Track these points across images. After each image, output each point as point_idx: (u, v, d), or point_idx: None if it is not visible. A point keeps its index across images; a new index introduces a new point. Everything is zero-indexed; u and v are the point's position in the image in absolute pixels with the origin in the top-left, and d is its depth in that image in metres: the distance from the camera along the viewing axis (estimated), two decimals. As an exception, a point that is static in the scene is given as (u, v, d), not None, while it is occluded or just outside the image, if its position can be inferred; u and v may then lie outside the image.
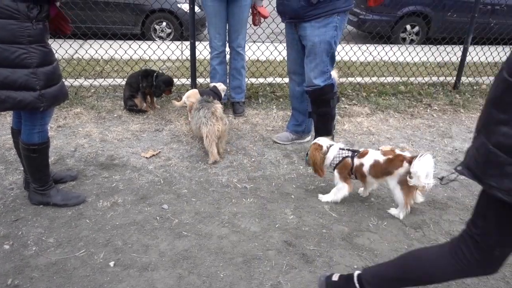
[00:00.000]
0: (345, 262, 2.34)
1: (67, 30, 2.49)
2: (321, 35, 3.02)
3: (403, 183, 2.62)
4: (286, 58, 3.59)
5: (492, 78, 5.51)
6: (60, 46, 4.62)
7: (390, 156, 2.67)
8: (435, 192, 3.08)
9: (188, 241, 2.44)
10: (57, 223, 2.54)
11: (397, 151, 2.71)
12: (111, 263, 2.25)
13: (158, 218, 2.63)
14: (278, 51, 5.26)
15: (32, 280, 2.12)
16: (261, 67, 5.30)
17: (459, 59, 5.27)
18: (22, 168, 2.77)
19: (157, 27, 7.71)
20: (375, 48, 5.59)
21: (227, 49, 4.19)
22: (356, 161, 2.76)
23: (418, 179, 2.49)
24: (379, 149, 2.81)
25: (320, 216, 2.73)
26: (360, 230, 2.62)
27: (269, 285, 2.16)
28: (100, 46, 4.94)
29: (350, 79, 5.27)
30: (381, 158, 2.68)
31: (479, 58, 5.68)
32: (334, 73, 3.32)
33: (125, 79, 4.49)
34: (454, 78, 5.38)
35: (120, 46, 4.97)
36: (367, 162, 2.72)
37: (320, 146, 2.86)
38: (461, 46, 5.23)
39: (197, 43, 4.60)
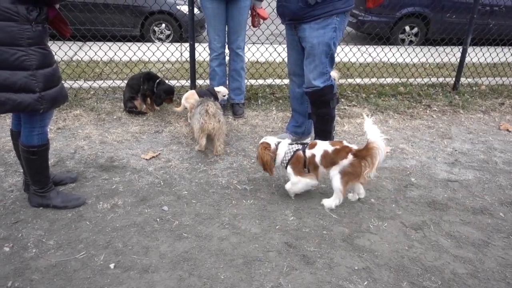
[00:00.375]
0: (346, 263, 2.34)
1: (66, 32, 2.49)
2: (320, 36, 3.02)
3: (344, 173, 2.71)
4: (285, 59, 3.59)
5: (491, 79, 5.54)
6: (60, 48, 4.63)
7: (338, 147, 2.76)
8: (435, 193, 3.08)
9: (188, 242, 2.44)
10: (57, 225, 2.54)
11: (345, 143, 2.79)
12: (112, 265, 2.24)
13: (158, 220, 2.63)
14: (277, 53, 5.27)
15: (32, 283, 2.11)
16: (260, 69, 5.30)
17: (458, 60, 5.28)
18: (22, 170, 2.76)
19: (156, 28, 7.71)
20: (375, 49, 5.61)
21: (227, 50, 4.19)
22: (308, 152, 2.81)
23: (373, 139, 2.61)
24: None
25: (321, 218, 2.73)
26: (361, 231, 2.62)
27: (270, 287, 2.15)
28: (100, 48, 4.93)
29: (350, 80, 5.28)
30: (330, 149, 2.77)
31: (478, 59, 5.69)
32: (334, 73, 3.32)
33: (125, 81, 4.49)
34: (454, 79, 5.39)
35: (120, 48, 4.96)
36: (318, 152, 2.79)
37: (268, 145, 2.87)
38: (460, 47, 5.24)
39: (196, 44, 4.60)
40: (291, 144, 2.90)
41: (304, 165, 2.81)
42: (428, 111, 4.69)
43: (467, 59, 5.32)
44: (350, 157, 2.69)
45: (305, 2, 2.93)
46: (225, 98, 4.08)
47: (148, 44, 5.33)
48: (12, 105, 2.28)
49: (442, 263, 2.37)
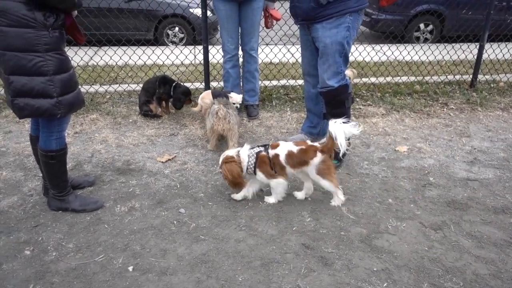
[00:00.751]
0: (364, 264, 2.31)
1: (80, 40, 2.52)
2: (333, 36, 3.00)
3: (322, 172, 2.70)
4: (299, 60, 3.57)
5: (509, 75, 5.43)
6: (76, 53, 4.69)
7: (303, 147, 2.74)
8: (455, 192, 3.02)
9: (205, 245, 2.44)
10: (76, 228, 2.57)
11: (309, 142, 2.78)
12: (130, 268, 2.26)
13: (175, 222, 2.64)
14: (291, 53, 5.25)
15: (52, 286, 2.14)
16: (274, 70, 5.29)
17: (475, 56, 5.18)
18: (41, 175, 2.80)
19: (170, 32, 7.77)
20: (389, 47, 5.54)
21: (240, 52, 4.19)
22: (271, 152, 2.77)
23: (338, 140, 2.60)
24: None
25: (338, 218, 2.70)
26: (379, 232, 2.58)
27: (288, 289, 2.14)
28: (115, 53, 4.99)
29: (364, 79, 5.23)
30: (295, 149, 2.74)
31: (496, 55, 5.58)
32: (349, 72, 3.30)
33: (140, 85, 4.53)
34: (471, 76, 5.29)
35: (134, 52, 5.01)
36: (281, 152, 2.75)
37: (232, 157, 2.79)
38: (477, 44, 5.15)
39: (209, 47, 4.62)
40: (251, 148, 2.83)
41: (270, 166, 2.77)
42: (445, 109, 4.61)
43: (484, 56, 5.23)
44: (319, 155, 2.69)
45: (317, 2, 2.91)
46: (237, 106, 3.98)
47: (162, 47, 5.38)
48: (30, 110, 2.32)
49: (463, 263, 2.33)
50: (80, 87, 2.57)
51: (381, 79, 5.27)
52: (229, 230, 2.57)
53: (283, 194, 2.85)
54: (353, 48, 5.40)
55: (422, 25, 8.14)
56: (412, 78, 5.38)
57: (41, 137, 2.55)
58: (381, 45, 6.08)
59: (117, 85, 4.94)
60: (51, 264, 2.28)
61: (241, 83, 4.37)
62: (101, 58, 5.06)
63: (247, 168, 2.78)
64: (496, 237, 2.55)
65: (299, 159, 2.72)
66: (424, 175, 3.26)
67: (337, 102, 3.21)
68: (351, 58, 5.41)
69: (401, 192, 3.02)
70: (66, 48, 2.45)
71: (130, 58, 5.05)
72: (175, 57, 5.16)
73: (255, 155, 2.77)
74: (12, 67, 2.22)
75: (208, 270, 2.25)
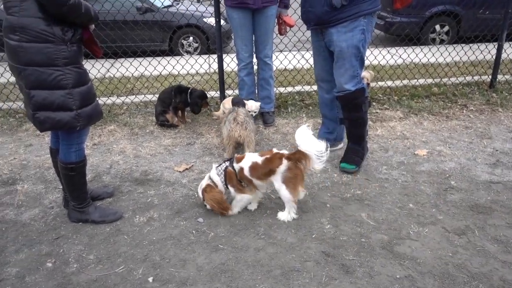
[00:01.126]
0: (387, 272, 2.26)
1: (97, 53, 2.56)
2: (348, 39, 2.98)
3: (286, 181, 2.61)
4: (313, 65, 3.55)
5: (531, 75, 5.30)
6: (93, 66, 4.77)
7: (268, 156, 2.67)
8: (477, 195, 2.95)
9: (225, 254, 2.43)
10: (96, 239, 2.58)
11: (275, 150, 2.70)
12: (150, 279, 2.26)
13: (194, 232, 2.64)
14: (305, 59, 5.24)
15: (74, 297, 2.15)
16: (289, 76, 5.29)
17: (494, 56, 5.08)
18: (61, 187, 2.84)
19: (184, 42, 7.85)
20: (405, 50, 5.48)
21: (254, 60, 4.20)
22: (236, 166, 2.72)
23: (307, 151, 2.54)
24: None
25: (358, 225, 2.66)
26: (401, 238, 2.53)
27: (309, 298, 2.11)
28: (131, 64, 5.06)
29: (380, 83, 5.18)
30: (259, 159, 2.67)
31: (515, 54, 5.47)
32: (367, 74, 3.27)
33: (156, 95, 4.58)
34: (490, 76, 5.19)
35: (150, 63, 5.07)
36: (245, 165, 2.69)
37: (208, 185, 2.77)
38: (495, 43, 5.05)
39: (224, 55, 4.64)
40: (218, 165, 2.82)
41: (237, 180, 2.73)
42: (464, 111, 4.53)
43: (503, 56, 5.12)
44: (285, 162, 2.60)
45: (331, 5, 2.89)
46: (254, 114, 3.98)
47: (177, 57, 5.42)
48: (51, 123, 2.36)
49: (489, 269, 2.26)
50: (97, 99, 2.60)
51: (397, 82, 5.21)
52: (248, 239, 2.56)
53: (240, 208, 2.81)
54: (368, 52, 5.37)
55: (437, 27, 8.03)
56: (430, 80, 5.30)
57: (61, 149, 2.59)
58: (397, 48, 6.02)
59: (134, 96, 5.00)
60: (73, 276, 2.30)
61: (256, 90, 4.37)
62: (118, 70, 5.14)
63: (223, 188, 2.78)
64: (523, 241, 2.47)
65: (265, 169, 2.65)
66: (445, 178, 3.19)
67: (353, 106, 3.18)
68: (366, 62, 5.37)
69: (422, 197, 2.96)
70: (83, 62, 2.49)
71: (145, 69, 5.11)
72: (190, 66, 5.20)
73: (223, 172, 2.76)
74: (33, 82, 2.27)
75: (228, 280, 2.23)
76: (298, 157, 2.59)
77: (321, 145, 2.53)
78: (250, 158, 2.71)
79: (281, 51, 5.11)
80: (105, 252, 2.47)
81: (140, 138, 4.05)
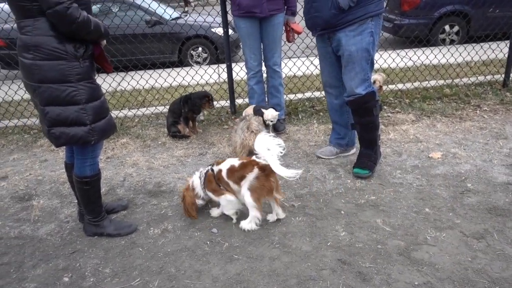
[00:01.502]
0: (405, 279, 2.23)
1: (108, 69, 2.59)
2: (358, 43, 2.97)
3: (252, 188, 2.60)
4: (321, 72, 3.54)
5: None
6: (104, 80, 4.84)
7: (245, 161, 2.69)
8: (495, 198, 2.89)
9: (240, 264, 2.42)
10: (111, 253, 2.60)
11: (253, 158, 2.68)
12: (166, 291, 2.26)
13: (208, 242, 2.63)
14: (314, 65, 5.23)
15: (92, 311, 2.16)
16: (298, 83, 5.28)
17: (506, 55, 5.01)
18: (76, 201, 2.86)
19: (193, 53, 7.91)
20: (415, 52, 5.43)
21: (263, 68, 4.21)
22: (215, 168, 2.74)
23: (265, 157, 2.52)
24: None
25: (374, 231, 2.63)
26: (418, 244, 2.49)
27: (327, 307, 2.09)
28: (141, 77, 5.11)
29: (391, 86, 5.14)
30: (237, 163, 2.68)
31: (528, 52, 5.38)
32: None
33: (167, 107, 4.61)
34: (503, 75, 5.12)
35: (160, 75, 5.12)
36: (224, 167, 2.71)
37: (187, 186, 2.85)
38: (507, 42, 4.98)
39: (233, 64, 4.66)
40: (203, 169, 2.85)
41: (216, 183, 2.74)
42: (478, 111, 4.46)
43: (516, 53, 5.05)
44: (256, 170, 2.59)
45: (338, 8, 2.89)
46: (271, 123, 3.94)
47: (187, 68, 5.47)
48: (66, 139, 2.39)
49: (511, 274, 2.21)
50: (110, 112, 2.63)
51: (408, 85, 5.17)
52: (262, 248, 2.54)
53: (234, 210, 2.80)
54: (377, 55, 5.35)
55: (447, 27, 7.97)
56: (441, 82, 5.25)
57: (75, 164, 2.62)
58: (406, 50, 5.98)
59: (145, 108, 5.05)
60: (90, 289, 2.31)
61: (266, 98, 4.37)
62: (128, 83, 5.19)
63: (202, 191, 2.80)
64: (545, 243, 2.41)
65: (239, 174, 2.65)
66: (461, 181, 3.14)
67: (364, 110, 3.16)
68: (376, 66, 5.35)
69: (438, 201, 2.91)
70: (95, 76, 2.52)
71: (156, 81, 5.16)
72: (200, 77, 5.24)
73: (204, 176, 2.78)
74: (47, 99, 2.30)
75: (244, 290, 2.22)
76: (271, 170, 2.57)
77: (277, 148, 2.52)
78: (230, 162, 2.75)
79: (289, 58, 5.11)
80: (121, 265, 2.48)
81: (152, 150, 4.07)
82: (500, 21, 6.00)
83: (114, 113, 4.80)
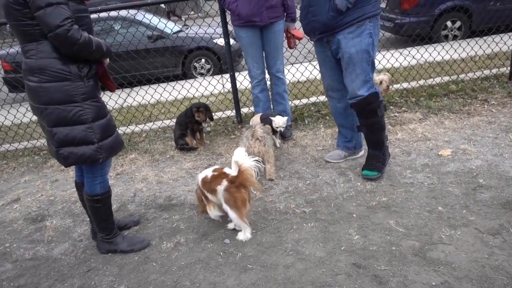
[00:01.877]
0: (422, 279, 2.20)
1: (112, 88, 2.62)
2: (357, 45, 2.97)
3: (227, 201, 2.62)
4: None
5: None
6: (110, 97, 4.88)
7: (216, 173, 2.73)
8: (509, 192, 2.86)
9: (254, 274, 2.41)
10: (126, 269, 2.60)
11: (225, 170, 2.75)
12: (182, 305, 2.25)
13: (221, 253, 2.63)
14: (317, 70, 5.20)
15: (109, 329, 2.16)
16: (302, 88, 5.28)
17: (511, 47, 4.97)
18: (89, 219, 2.88)
19: (196, 64, 7.96)
20: (418, 50, 5.41)
21: (267, 75, 4.22)
22: (199, 177, 2.82)
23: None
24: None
25: (387, 233, 2.61)
26: (433, 243, 2.46)
27: (344, 313, 2.06)
28: (146, 92, 5.16)
29: (396, 85, 5.12)
30: (210, 174, 2.74)
31: (533, 42, 5.34)
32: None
33: (173, 120, 4.64)
34: (509, 68, 5.07)
35: (164, 89, 5.16)
36: (200, 177, 2.76)
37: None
38: (511, 34, 4.94)
39: (236, 74, 4.68)
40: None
41: (201, 190, 2.80)
42: (486, 106, 4.42)
43: (520, 45, 5.01)
44: (225, 183, 2.62)
45: (336, 10, 2.90)
46: (281, 129, 3.91)
47: (191, 80, 5.50)
48: (74, 158, 2.41)
49: (530, 269, 2.17)
50: (117, 129, 2.65)
51: (413, 83, 5.14)
52: (276, 257, 2.53)
53: (213, 217, 2.86)
54: (380, 55, 5.34)
55: (449, 23, 7.93)
56: (446, 78, 5.22)
57: (85, 182, 2.64)
58: (409, 48, 5.96)
59: (152, 123, 5.08)
60: (106, 307, 2.31)
61: (271, 106, 4.38)
62: (134, 99, 5.24)
63: None
64: (563, 236, 2.37)
65: (210, 185, 2.69)
66: (473, 177, 3.11)
67: (369, 112, 3.14)
68: (379, 66, 5.34)
69: (450, 198, 2.88)
70: (100, 95, 2.55)
71: (161, 95, 5.20)
72: (204, 88, 5.26)
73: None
74: (54, 120, 2.33)
75: (259, 300, 2.21)
76: (240, 181, 2.59)
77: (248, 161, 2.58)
78: (208, 171, 2.80)
79: (292, 64, 5.12)
80: (135, 281, 2.48)
81: (161, 164, 4.09)
82: (502, 14, 5.97)
83: (121, 130, 4.85)
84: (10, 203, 3.68)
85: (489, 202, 2.78)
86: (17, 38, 2.31)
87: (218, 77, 6.08)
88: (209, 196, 2.76)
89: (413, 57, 5.56)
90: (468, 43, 5.30)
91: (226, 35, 4.44)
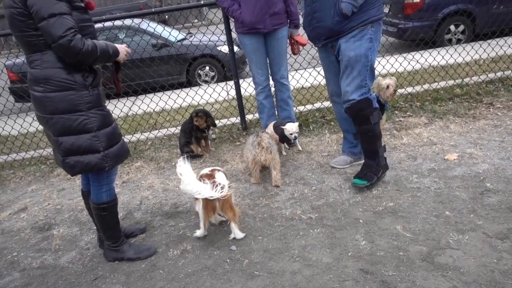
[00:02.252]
0: (430, 285, 2.18)
1: (119, 89, 2.65)
2: (356, 48, 2.96)
3: (202, 202, 2.71)
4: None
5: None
6: (115, 106, 4.91)
7: (207, 173, 2.85)
8: (517, 196, 2.83)
9: (261, 280, 2.40)
10: (133, 277, 2.60)
11: (206, 170, 2.92)
12: (189, 312, 2.24)
13: (228, 260, 2.62)
14: (321, 75, 5.22)
15: (116, 337, 2.16)
16: (306, 94, 5.29)
17: (515, 50, 4.96)
18: (95, 228, 2.89)
19: (201, 72, 8.00)
20: (421, 55, 5.41)
21: (271, 82, 4.23)
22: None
23: None
24: None
25: (394, 238, 2.59)
26: (440, 248, 2.44)
27: (352, 319, 2.05)
28: (151, 100, 5.18)
29: (400, 90, 5.11)
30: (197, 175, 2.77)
31: (537, 45, 5.32)
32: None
33: (178, 128, 4.65)
34: (513, 71, 5.06)
35: (169, 97, 5.18)
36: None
37: None
38: (515, 37, 4.94)
39: (240, 81, 4.70)
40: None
41: None
42: (491, 109, 4.40)
43: (525, 48, 5.00)
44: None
45: (341, 14, 2.90)
46: (293, 136, 3.80)
47: (195, 88, 5.53)
48: (80, 167, 2.42)
49: (539, 273, 2.15)
50: (123, 137, 2.67)
51: (418, 88, 5.14)
52: (283, 263, 2.52)
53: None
54: (384, 60, 5.34)
55: (452, 27, 7.93)
56: (451, 82, 5.20)
57: (92, 191, 2.65)
58: (413, 53, 5.96)
59: (157, 131, 5.10)
60: (113, 315, 2.31)
61: (276, 112, 4.38)
62: (139, 107, 5.27)
63: None
64: None
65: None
66: (480, 181, 3.09)
67: (361, 118, 3.09)
68: (383, 71, 5.34)
69: (458, 203, 2.86)
70: (105, 103, 2.57)
71: (166, 103, 5.22)
72: (209, 96, 5.28)
73: None
74: (60, 129, 2.35)
75: (267, 307, 2.20)
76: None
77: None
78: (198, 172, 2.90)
79: (296, 70, 5.13)
80: (142, 289, 2.48)
81: (167, 171, 4.10)
82: (505, 17, 5.96)
83: (127, 138, 4.87)
84: (17, 212, 3.70)
85: (496, 206, 2.76)
86: (22, 49, 2.34)
87: (222, 84, 6.10)
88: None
89: (417, 61, 5.56)
90: (472, 47, 5.30)
91: (230, 42, 4.47)
